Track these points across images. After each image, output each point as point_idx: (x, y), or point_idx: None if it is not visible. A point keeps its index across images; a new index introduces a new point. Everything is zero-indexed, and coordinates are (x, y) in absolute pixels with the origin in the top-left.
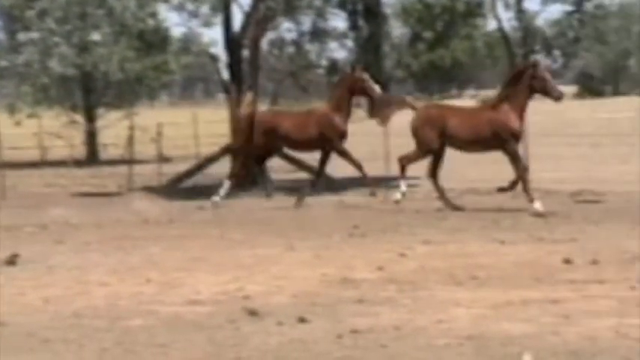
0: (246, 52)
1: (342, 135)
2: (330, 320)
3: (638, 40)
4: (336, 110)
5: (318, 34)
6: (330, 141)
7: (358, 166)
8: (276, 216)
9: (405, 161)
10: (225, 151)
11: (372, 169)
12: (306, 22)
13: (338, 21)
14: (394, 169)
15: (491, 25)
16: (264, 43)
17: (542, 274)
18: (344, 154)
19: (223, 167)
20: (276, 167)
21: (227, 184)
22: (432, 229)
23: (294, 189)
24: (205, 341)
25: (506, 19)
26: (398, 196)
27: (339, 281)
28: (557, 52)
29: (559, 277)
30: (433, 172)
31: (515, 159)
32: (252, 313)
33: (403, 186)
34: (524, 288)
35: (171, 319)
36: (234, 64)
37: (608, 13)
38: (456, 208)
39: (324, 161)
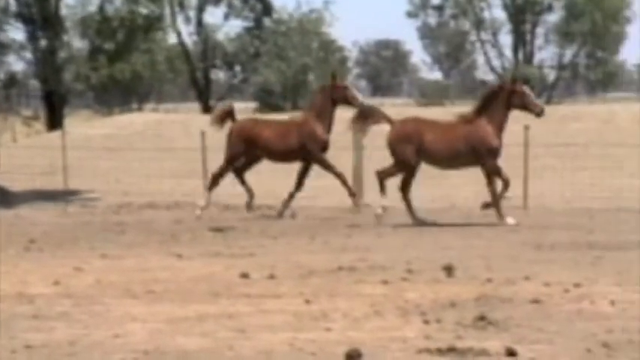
0: None
1: (324, 146)
2: (3, 336)
3: (317, 56)
4: (318, 120)
5: None
6: (310, 152)
7: (341, 177)
8: None
9: (382, 175)
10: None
11: (50, 183)
12: None
13: (17, 33)
14: (72, 183)
15: (172, 38)
16: None
17: (219, 289)
18: (325, 165)
19: None
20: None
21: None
22: (111, 243)
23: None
24: None
25: (187, 33)
26: (379, 210)
27: (14, 296)
28: (237, 68)
29: (236, 291)
30: (405, 188)
31: (494, 175)
32: None
33: (383, 200)
34: (201, 302)
35: None
36: None
37: (288, 30)
38: (422, 223)
39: (303, 173)
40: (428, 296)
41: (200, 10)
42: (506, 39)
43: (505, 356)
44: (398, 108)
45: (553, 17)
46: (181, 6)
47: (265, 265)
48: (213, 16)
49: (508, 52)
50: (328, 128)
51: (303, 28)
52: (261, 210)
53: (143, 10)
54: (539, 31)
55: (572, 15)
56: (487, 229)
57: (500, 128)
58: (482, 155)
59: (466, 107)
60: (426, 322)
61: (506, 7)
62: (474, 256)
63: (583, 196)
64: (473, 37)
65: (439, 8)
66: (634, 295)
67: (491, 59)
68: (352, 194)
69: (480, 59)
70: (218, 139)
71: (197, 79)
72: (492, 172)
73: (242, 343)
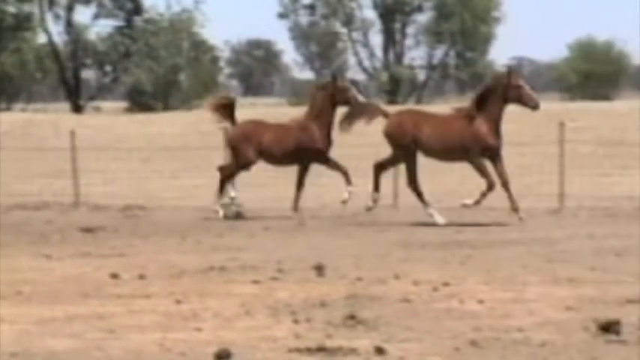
0: None
1: (325, 148)
2: None
3: (188, 56)
4: (317, 122)
5: None
6: (309, 155)
7: (345, 174)
8: None
9: (379, 168)
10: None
11: None
12: None
13: None
14: None
15: (41, 38)
16: None
17: (88, 289)
18: (330, 164)
19: None
20: None
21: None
22: None
23: None
24: None
25: (57, 32)
26: (370, 203)
27: None
28: (108, 67)
29: (106, 291)
30: (412, 179)
31: (480, 171)
32: None
33: (375, 193)
34: (70, 303)
35: None
36: None
37: (159, 29)
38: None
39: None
40: (298, 296)
41: (69, 9)
42: (376, 39)
43: (374, 355)
44: (270, 108)
45: (423, 17)
46: (51, 5)
47: (135, 266)
48: (83, 15)
49: (379, 51)
50: (328, 132)
51: (174, 27)
52: (132, 210)
53: (12, 10)
54: (410, 31)
55: (441, 15)
56: (357, 228)
57: (497, 124)
58: (470, 149)
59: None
60: (296, 321)
61: (376, 7)
62: (345, 255)
63: (454, 194)
64: (344, 37)
65: (310, 7)
66: (502, 294)
67: (362, 59)
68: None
69: (352, 59)
70: (86, 138)
71: (67, 78)
72: (477, 168)
73: (111, 343)
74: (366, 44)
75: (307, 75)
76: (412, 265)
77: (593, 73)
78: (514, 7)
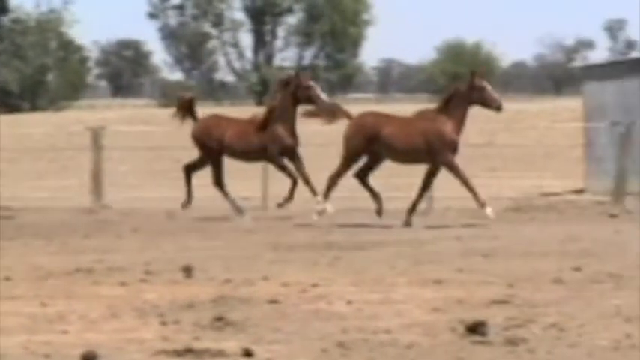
0: None
1: (286, 148)
2: None
3: (56, 56)
4: (279, 120)
5: None
6: (269, 153)
7: (296, 182)
8: None
9: (335, 179)
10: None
11: None
12: None
13: None
14: None
15: None
16: None
17: None
18: (282, 169)
19: None
20: None
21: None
22: None
23: None
24: None
25: None
26: (319, 207)
27: None
28: None
29: None
30: (361, 174)
31: (451, 171)
32: None
33: (328, 205)
34: None
35: None
36: None
37: (26, 29)
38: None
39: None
40: (166, 297)
41: None
42: (246, 40)
43: (242, 357)
44: (139, 109)
45: (293, 19)
46: None
47: (1, 267)
48: None
49: (249, 53)
50: (292, 130)
51: (42, 27)
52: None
53: None
54: (280, 32)
55: (311, 17)
56: (226, 229)
57: (460, 125)
58: (436, 150)
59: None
60: (164, 323)
61: (246, 8)
62: (213, 256)
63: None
64: (214, 37)
65: (180, 8)
66: (370, 295)
67: (231, 60)
68: (315, 192)
69: (221, 60)
70: None
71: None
72: (449, 167)
73: None
74: (236, 45)
75: (177, 76)
76: (281, 267)
77: (461, 75)
78: (384, 10)
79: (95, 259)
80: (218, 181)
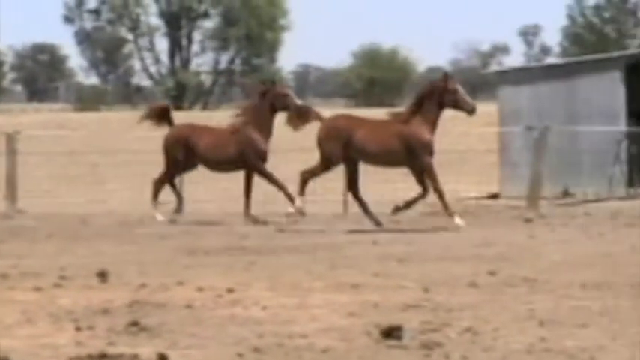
0: None
1: (263, 156)
2: None
3: None
4: (256, 128)
5: None
6: (250, 162)
7: (283, 187)
8: None
9: (307, 175)
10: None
11: None
12: None
13: None
14: None
15: None
16: None
17: None
18: (266, 176)
19: None
20: None
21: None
22: None
23: None
24: None
25: None
26: (290, 209)
27: None
28: None
29: None
30: (351, 186)
31: (428, 172)
32: None
33: (298, 201)
34: None
35: None
36: None
37: None
38: (378, 224)
39: (248, 184)
40: (81, 302)
41: None
42: (162, 44)
43: None
44: (55, 113)
45: (209, 23)
46: None
47: None
48: None
49: (165, 57)
50: (267, 138)
51: None
52: None
53: None
54: (196, 37)
55: (228, 21)
56: (142, 234)
57: (433, 127)
58: (415, 153)
59: (125, 113)
60: (79, 328)
61: (162, 13)
62: (129, 261)
63: (238, 201)
64: (130, 42)
65: (95, 12)
66: (286, 300)
67: (148, 65)
68: (292, 200)
69: (137, 64)
70: None
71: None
72: (427, 170)
73: None
74: (152, 50)
75: (93, 80)
76: (196, 272)
77: (377, 80)
78: (301, 15)
79: (10, 264)
80: (161, 181)
